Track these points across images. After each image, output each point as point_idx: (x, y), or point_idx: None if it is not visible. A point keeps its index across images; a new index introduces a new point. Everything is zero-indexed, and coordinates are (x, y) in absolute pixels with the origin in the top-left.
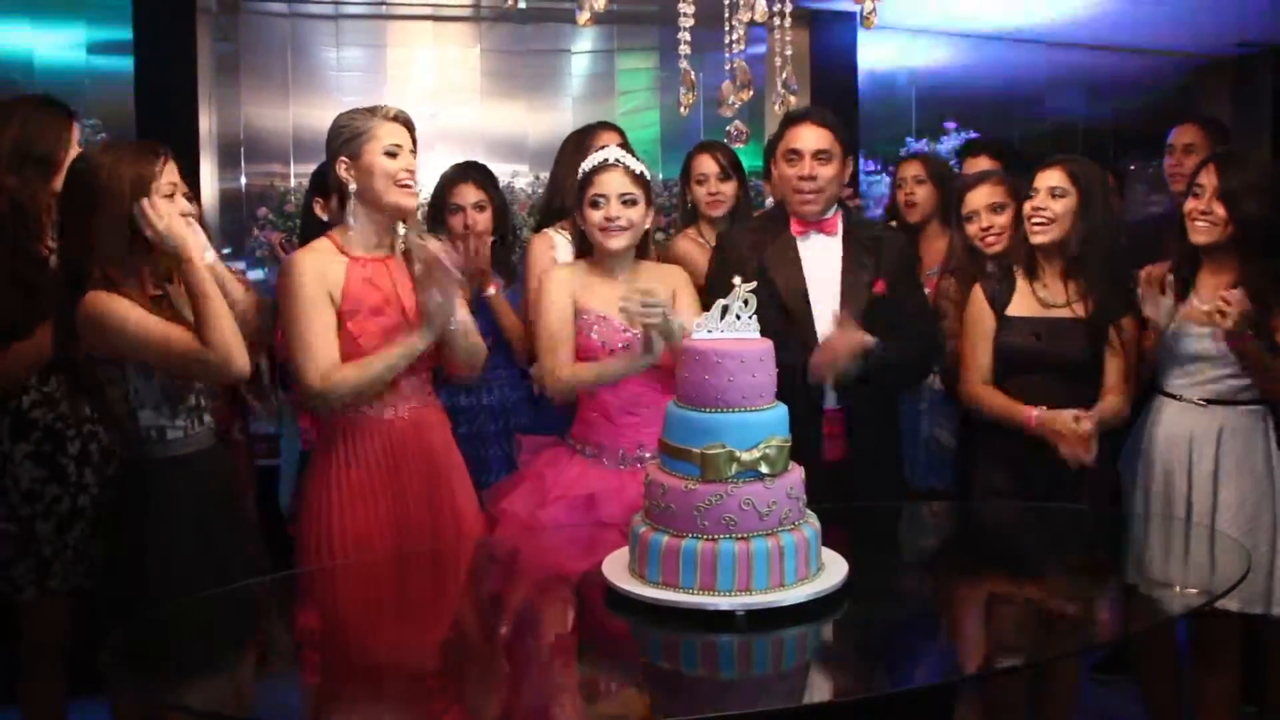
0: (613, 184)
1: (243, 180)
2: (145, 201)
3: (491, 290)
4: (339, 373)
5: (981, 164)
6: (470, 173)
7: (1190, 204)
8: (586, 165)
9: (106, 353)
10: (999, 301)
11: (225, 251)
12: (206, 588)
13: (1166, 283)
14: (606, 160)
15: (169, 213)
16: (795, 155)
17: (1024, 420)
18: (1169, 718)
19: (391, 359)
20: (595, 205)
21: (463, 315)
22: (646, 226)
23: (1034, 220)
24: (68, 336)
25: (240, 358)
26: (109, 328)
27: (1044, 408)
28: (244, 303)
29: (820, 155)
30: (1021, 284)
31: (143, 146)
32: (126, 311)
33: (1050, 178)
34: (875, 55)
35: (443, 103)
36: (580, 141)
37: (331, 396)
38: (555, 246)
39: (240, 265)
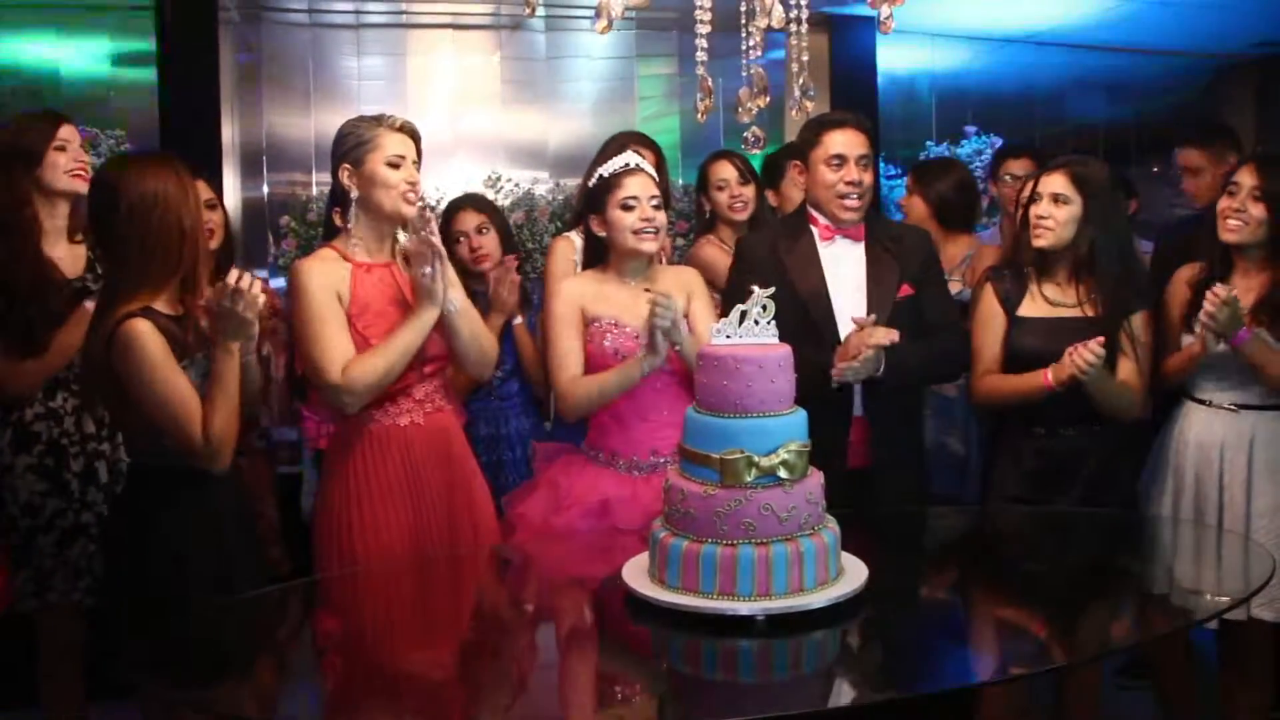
0: (643, 187)
1: (265, 189)
2: (242, 275)
3: (519, 320)
4: (357, 364)
5: (1023, 165)
6: (465, 200)
7: (1224, 202)
8: (607, 170)
9: (123, 381)
10: (1010, 301)
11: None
12: (216, 593)
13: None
14: (629, 165)
15: (255, 299)
16: (840, 160)
17: (1043, 384)
18: None
19: (405, 338)
20: (627, 208)
21: (460, 299)
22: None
23: (1035, 227)
24: (98, 354)
25: (226, 457)
26: (132, 364)
27: (1054, 366)
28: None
29: (862, 160)
30: (1032, 285)
31: (162, 161)
32: (156, 359)
33: (1054, 183)
34: (895, 59)
35: (463, 110)
36: (607, 150)
37: (355, 388)
38: (577, 250)
39: (263, 274)
